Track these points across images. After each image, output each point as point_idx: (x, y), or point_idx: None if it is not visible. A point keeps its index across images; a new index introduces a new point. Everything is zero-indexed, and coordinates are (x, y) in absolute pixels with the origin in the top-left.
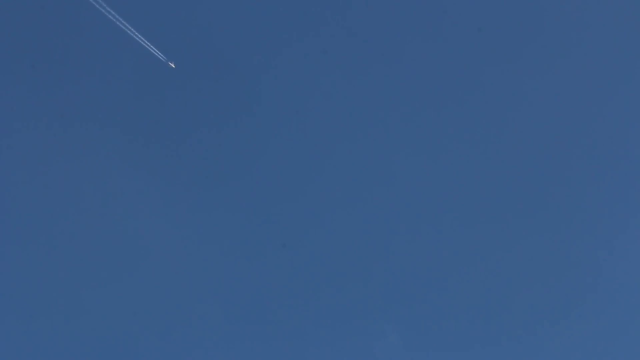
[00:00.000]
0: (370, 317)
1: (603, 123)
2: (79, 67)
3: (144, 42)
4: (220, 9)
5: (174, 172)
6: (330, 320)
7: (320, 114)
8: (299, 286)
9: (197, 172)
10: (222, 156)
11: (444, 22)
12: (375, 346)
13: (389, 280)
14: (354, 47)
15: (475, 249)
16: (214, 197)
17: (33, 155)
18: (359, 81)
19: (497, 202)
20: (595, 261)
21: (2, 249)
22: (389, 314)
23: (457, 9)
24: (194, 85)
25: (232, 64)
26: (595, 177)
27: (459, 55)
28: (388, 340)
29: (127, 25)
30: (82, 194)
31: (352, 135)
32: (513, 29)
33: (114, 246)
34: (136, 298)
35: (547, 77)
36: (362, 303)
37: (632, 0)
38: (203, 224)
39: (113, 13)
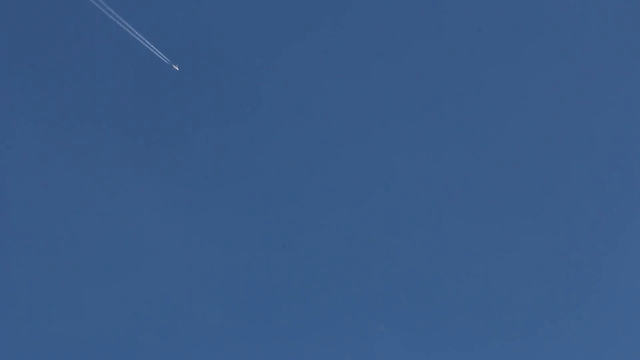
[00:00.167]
0: (370, 317)
1: (603, 123)
2: (79, 67)
3: (146, 43)
4: (219, 8)
5: (174, 172)
6: (330, 321)
7: (321, 114)
8: (299, 286)
9: (197, 172)
10: (222, 156)
11: (444, 22)
12: (374, 347)
13: (389, 280)
14: (354, 47)
15: (473, 249)
16: (214, 197)
17: (33, 155)
18: (359, 81)
19: (495, 202)
20: (595, 261)
21: (2, 249)
22: (389, 314)
23: (457, 9)
24: (194, 85)
25: (231, 64)
26: (595, 177)
27: (459, 55)
28: (386, 341)
29: (128, 25)
30: (83, 194)
31: (352, 135)
32: (513, 29)
33: (114, 246)
34: (136, 298)
35: (547, 77)
36: (362, 303)
37: (632, 0)
38: (203, 223)
39: (113, 12)
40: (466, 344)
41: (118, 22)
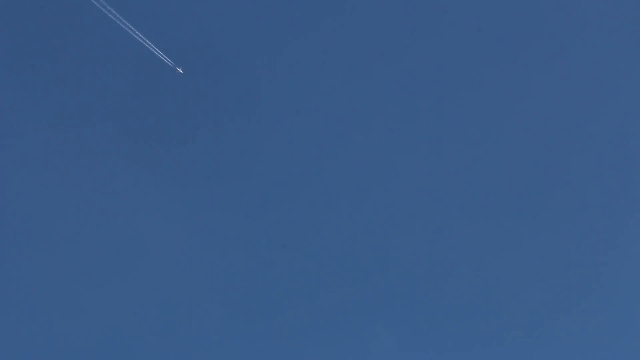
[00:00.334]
0: (369, 317)
1: (603, 123)
2: (79, 68)
3: (147, 43)
4: (219, 8)
5: (174, 172)
6: (329, 321)
7: (321, 114)
8: (300, 286)
9: (197, 172)
10: (223, 156)
11: (444, 22)
12: (372, 346)
13: (388, 281)
14: (354, 47)
15: (472, 250)
16: (214, 197)
17: (33, 155)
18: (359, 81)
19: (494, 202)
20: (594, 261)
21: (2, 249)
22: (388, 314)
23: (457, 9)
24: (194, 85)
25: (231, 64)
26: (595, 176)
27: (459, 55)
28: (384, 341)
29: (129, 25)
30: (83, 194)
31: (352, 135)
32: (513, 29)
33: (114, 246)
34: (136, 298)
35: (547, 77)
36: (361, 304)
37: (632, 0)
38: (203, 223)
39: (114, 12)
40: (463, 344)
41: (118, 22)
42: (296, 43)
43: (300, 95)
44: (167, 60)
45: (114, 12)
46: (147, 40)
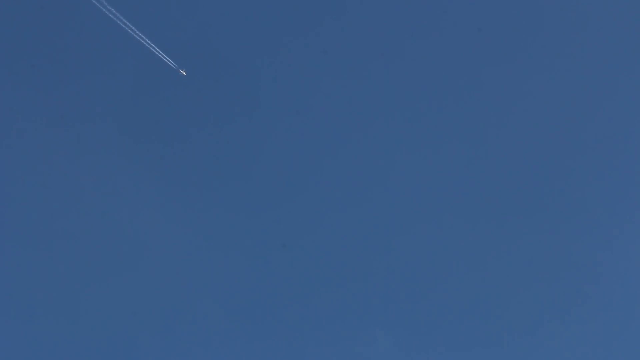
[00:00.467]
0: (368, 317)
1: (603, 122)
2: (80, 68)
3: (152, 47)
4: (218, 8)
5: (174, 172)
6: (329, 321)
7: (321, 114)
8: (300, 287)
9: (197, 172)
10: (223, 156)
11: (444, 22)
12: (371, 347)
13: (387, 281)
14: (354, 47)
15: (470, 251)
16: (214, 197)
17: (33, 155)
18: (359, 81)
19: (493, 202)
20: (593, 261)
21: (2, 249)
22: (387, 315)
23: (457, 9)
24: (194, 85)
25: (231, 64)
26: (595, 176)
27: (459, 55)
28: (383, 341)
29: (131, 27)
30: (83, 194)
31: (352, 135)
32: (513, 29)
33: (114, 246)
34: (136, 298)
35: (547, 76)
36: (361, 304)
37: (632, 0)
38: (203, 223)
39: (115, 13)
40: (462, 345)
41: (119, 22)
42: (296, 43)
43: (300, 95)
44: (170, 63)
45: (117, 13)
46: (150, 43)
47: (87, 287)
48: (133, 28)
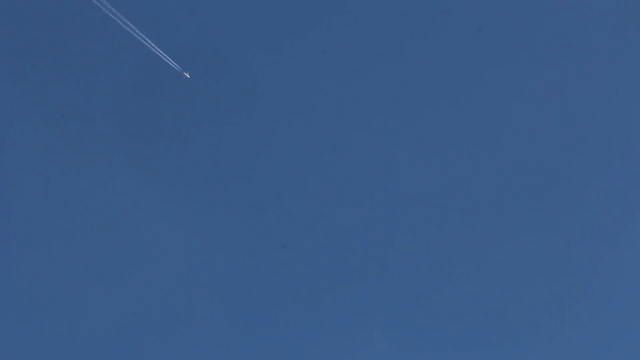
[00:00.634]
0: (369, 318)
1: (603, 122)
2: (81, 68)
3: (150, 44)
4: (218, 8)
5: (175, 172)
6: (330, 321)
7: (321, 114)
8: (300, 287)
9: (197, 172)
10: (223, 156)
11: (444, 22)
12: (371, 346)
13: (387, 282)
14: (354, 47)
15: (468, 251)
16: (214, 197)
17: (33, 154)
18: (359, 81)
19: (492, 202)
20: (594, 261)
21: (2, 249)
22: (386, 315)
23: (457, 9)
24: (194, 85)
25: (231, 64)
26: (595, 176)
27: (459, 55)
28: (382, 341)
29: (132, 26)
30: (83, 194)
31: (352, 135)
32: (513, 29)
33: (114, 246)
34: (136, 298)
35: (546, 76)
36: (360, 304)
37: (632, 0)
38: (203, 223)
39: (117, 13)
40: (459, 346)
41: (119, 22)
42: (296, 43)
43: (300, 95)
44: (174, 65)
45: (116, 12)
46: (154, 45)
47: (87, 287)
48: (138, 31)
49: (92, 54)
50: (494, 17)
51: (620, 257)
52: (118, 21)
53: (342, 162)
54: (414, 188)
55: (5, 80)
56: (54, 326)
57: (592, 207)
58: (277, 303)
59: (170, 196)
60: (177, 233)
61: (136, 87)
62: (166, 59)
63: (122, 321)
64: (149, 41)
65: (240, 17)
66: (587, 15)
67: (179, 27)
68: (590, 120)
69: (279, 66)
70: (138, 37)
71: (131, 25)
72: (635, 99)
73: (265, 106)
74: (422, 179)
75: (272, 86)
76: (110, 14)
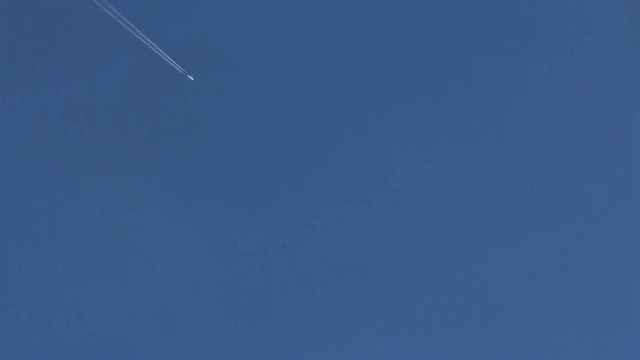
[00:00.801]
0: (367, 318)
1: (603, 122)
2: (82, 68)
3: (152, 45)
4: (218, 8)
5: (174, 172)
6: (329, 322)
7: (321, 114)
8: (300, 287)
9: (197, 172)
10: (223, 156)
11: (444, 22)
12: (370, 346)
13: (386, 282)
14: (354, 47)
15: (467, 252)
16: (214, 197)
17: (33, 154)
18: (360, 81)
19: (491, 203)
20: (594, 261)
21: (2, 248)
22: (386, 315)
23: (457, 9)
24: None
25: (231, 64)
26: (595, 176)
27: (459, 55)
28: (382, 341)
29: (132, 25)
30: (83, 194)
31: (352, 135)
32: (513, 29)
33: (114, 246)
34: (136, 298)
35: (547, 76)
36: (360, 304)
37: (632, 0)
38: (203, 223)
39: (118, 14)
40: (457, 347)
41: (119, 21)
42: (296, 43)
43: (300, 95)
44: (178, 68)
45: (117, 12)
46: (157, 47)
47: (87, 287)
48: (143, 35)
49: (93, 54)
50: (494, 17)
51: (621, 257)
52: (121, 22)
53: (343, 163)
54: (414, 188)
55: (5, 80)
56: (54, 325)
57: (592, 207)
58: (277, 303)
59: (169, 196)
60: (178, 232)
61: (136, 87)
62: (169, 60)
63: (122, 321)
64: (152, 42)
65: (240, 16)
66: (587, 15)
67: (179, 27)
68: (590, 120)
69: (279, 66)
70: (138, 37)
71: (131, 25)
72: (635, 99)
73: (265, 106)
74: (422, 179)
75: (272, 86)
76: (113, 15)
